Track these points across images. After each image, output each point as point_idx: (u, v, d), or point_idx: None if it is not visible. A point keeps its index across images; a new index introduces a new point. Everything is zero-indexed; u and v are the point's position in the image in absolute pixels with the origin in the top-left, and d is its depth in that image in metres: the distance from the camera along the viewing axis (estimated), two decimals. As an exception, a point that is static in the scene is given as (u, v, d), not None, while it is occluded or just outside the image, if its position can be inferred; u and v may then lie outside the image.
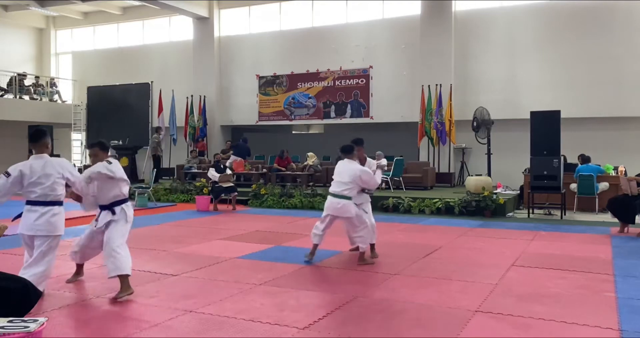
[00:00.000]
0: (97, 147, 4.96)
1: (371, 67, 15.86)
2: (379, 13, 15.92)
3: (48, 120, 18.23)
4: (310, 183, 13.21)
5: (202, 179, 13.32)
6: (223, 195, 11.55)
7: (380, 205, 10.80)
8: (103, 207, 4.90)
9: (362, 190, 6.17)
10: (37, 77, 19.77)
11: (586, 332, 3.79)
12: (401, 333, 3.81)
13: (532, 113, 10.57)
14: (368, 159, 6.52)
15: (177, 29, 19.05)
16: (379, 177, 6.15)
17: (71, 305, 4.44)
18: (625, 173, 10.76)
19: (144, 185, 12.70)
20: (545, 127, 10.24)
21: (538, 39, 14.10)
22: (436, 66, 14.68)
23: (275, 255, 6.50)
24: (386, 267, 5.69)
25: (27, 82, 19.33)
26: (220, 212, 11.08)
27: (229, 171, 12.09)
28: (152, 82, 17.89)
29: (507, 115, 13.90)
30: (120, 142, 15.85)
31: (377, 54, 15.81)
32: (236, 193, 11.56)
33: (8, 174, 4.36)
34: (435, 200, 10.74)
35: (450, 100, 14.31)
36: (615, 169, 11.44)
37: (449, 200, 10.69)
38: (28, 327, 2.94)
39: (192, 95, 17.51)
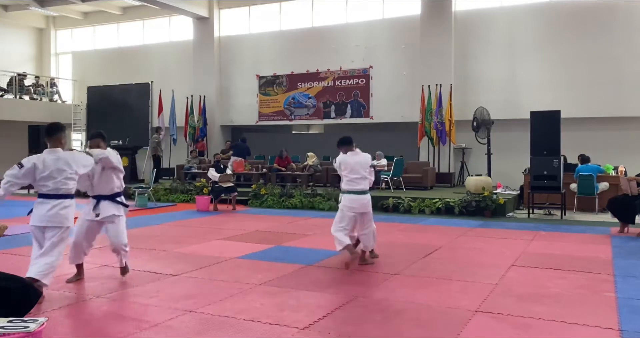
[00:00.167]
0: (99, 138, 5.18)
1: (371, 67, 15.86)
2: (379, 13, 15.92)
3: (48, 120, 18.02)
4: (310, 183, 13.21)
5: (202, 179, 13.32)
6: (223, 195, 11.55)
7: (380, 205, 10.80)
8: (103, 198, 5.09)
9: None
10: (37, 77, 19.78)
11: (586, 332, 3.79)
12: (401, 333, 3.81)
13: (532, 113, 10.57)
14: None
15: (177, 29, 19.05)
16: (373, 174, 6.14)
17: (71, 305, 4.44)
18: (625, 174, 10.76)
19: (144, 185, 12.70)
20: (545, 127, 10.24)
21: (538, 39, 14.11)
22: (436, 66, 14.68)
23: (275, 255, 6.49)
24: (386, 267, 5.69)
25: (27, 82, 19.34)
26: (220, 212, 11.08)
27: (229, 171, 12.09)
28: (152, 82, 17.90)
29: (507, 115, 13.90)
30: (120, 142, 15.83)
31: (377, 54, 15.81)
32: (236, 193, 11.56)
33: (21, 165, 4.43)
34: (435, 200, 10.74)
35: (450, 100, 14.31)
36: (615, 169, 11.44)
37: (449, 200, 10.69)
38: (28, 327, 2.94)
39: (192, 95, 17.52)
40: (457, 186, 14.20)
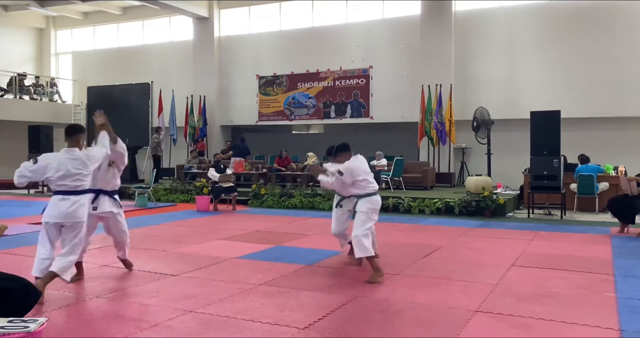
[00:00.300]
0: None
1: (371, 67, 15.86)
2: (379, 13, 15.92)
3: (48, 120, 18.22)
4: (310, 184, 13.21)
5: (202, 179, 13.32)
6: (223, 195, 11.55)
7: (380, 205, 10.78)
8: (103, 192, 5.25)
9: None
10: (37, 77, 19.78)
11: (586, 332, 3.79)
12: (401, 333, 3.81)
13: (532, 113, 10.57)
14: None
15: (177, 29, 19.06)
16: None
17: (71, 305, 4.44)
18: (625, 174, 10.76)
19: (144, 185, 12.69)
20: (545, 127, 10.23)
21: (538, 39, 14.11)
22: (436, 66, 14.68)
23: (275, 255, 6.49)
24: (386, 267, 5.68)
25: (27, 82, 19.34)
26: (220, 212, 11.08)
27: (229, 171, 12.09)
28: (152, 82, 17.90)
29: (507, 115, 13.90)
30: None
31: (377, 54, 15.81)
32: (236, 193, 11.56)
33: (36, 161, 4.62)
34: (435, 200, 10.74)
35: (450, 100, 14.31)
36: (615, 169, 11.44)
37: (449, 200, 10.69)
38: (28, 327, 2.94)
39: (192, 95, 17.52)
40: (457, 186, 14.21)
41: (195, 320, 4.03)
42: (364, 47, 15.95)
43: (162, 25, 19.37)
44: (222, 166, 12.00)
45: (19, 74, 18.77)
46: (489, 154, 13.10)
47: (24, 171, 4.56)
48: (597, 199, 10.75)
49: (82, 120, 19.46)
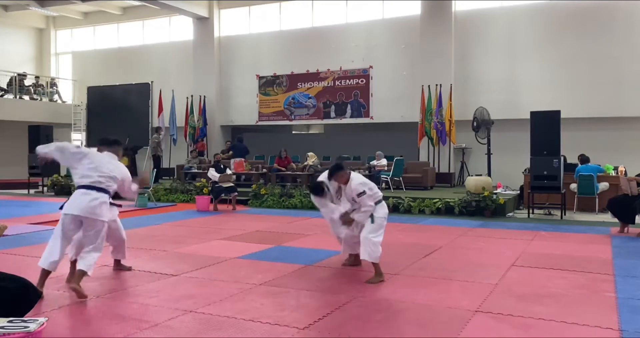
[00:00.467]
0: (117, 145, 5.14)
1: (371, 67, 15.86)
2: (379, 13, 15.93)
3: (48, 120, 18.24)
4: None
5: (202, 179, 13.32)
6: (223, 195, 11.55)
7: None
8: None
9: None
10: (37, 77, 19.79)
11: (586, 332, 3.79)
12: (401, 333, 3.81)
13: (532, 113, 10.57)
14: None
15: (177, 29, 19.06)
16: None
17: (71, 305, 4.44)
18: (625, 174, 10.76)
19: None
20: (545, 127, 10.24)
21: (538, 39, 14.11)
22: (436, 66, 14.68)
23: (275, 255, 6.49)
24: (386, 267, 5.68)
25: (27, 82, 19.35)
26: (220, 212, 11.08)
27: (229, 171, 12.09)
28: (152, 82, 17.89)
29: (507, 115, 13.90)
30: (120, 142, 15.83)
31: (377, 54, 15.81)
32: (236, 193, 11.56)
33: (77, 147, 4.80)
34: (435, 200, 10.74)
35: (450, 100, 14.32)
36: (615, 169, 11.44)
37: (449, 200, 10.70)
38: (28, 327, 2.94)
39: (192, 95, 17.52)
40: (457, 186, 14.21)
41: (195, 320, 4.03)
42: (364, 47, 15.96)
43: (162, 25, 19.38)
44: (222, 166, 12.00)
45: (19, 74, 18.78)
46: (489, 154, 13.10)
47: (60, 145, 4.69)
48: (597, 199, 10.75)
49: (82, 121, 19.50)
